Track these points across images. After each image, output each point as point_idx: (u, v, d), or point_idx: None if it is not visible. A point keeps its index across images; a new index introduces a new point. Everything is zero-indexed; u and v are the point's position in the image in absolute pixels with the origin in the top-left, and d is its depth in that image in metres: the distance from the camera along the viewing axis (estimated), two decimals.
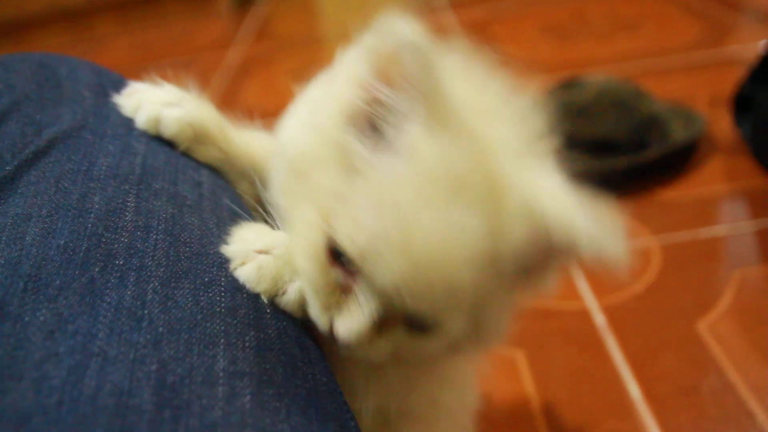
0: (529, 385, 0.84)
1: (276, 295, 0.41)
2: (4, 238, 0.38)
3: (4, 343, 0.32)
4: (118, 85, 0.51)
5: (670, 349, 0.86)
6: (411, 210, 0.35)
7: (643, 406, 0.78)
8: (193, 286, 0.38)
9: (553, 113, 0.40)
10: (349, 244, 0.37)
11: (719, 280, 0.96)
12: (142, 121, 0.48)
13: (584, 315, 0.93)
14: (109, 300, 0.35)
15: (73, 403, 0.30)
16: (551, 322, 0.93)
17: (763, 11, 1.89)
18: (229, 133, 0.51)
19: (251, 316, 0.38)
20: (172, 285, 0.37)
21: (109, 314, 0.34)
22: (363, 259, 0.37)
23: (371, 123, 0.38)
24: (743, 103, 1.22)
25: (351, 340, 0.38)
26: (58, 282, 0.35)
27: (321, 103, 0.42)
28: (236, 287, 0.40)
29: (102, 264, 0.37)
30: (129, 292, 0.35)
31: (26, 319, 0.33)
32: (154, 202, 0.42)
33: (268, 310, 0.40)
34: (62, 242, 0.37)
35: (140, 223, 0.40)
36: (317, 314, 0.40)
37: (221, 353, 0.35)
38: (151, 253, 0.38)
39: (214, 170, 0.51)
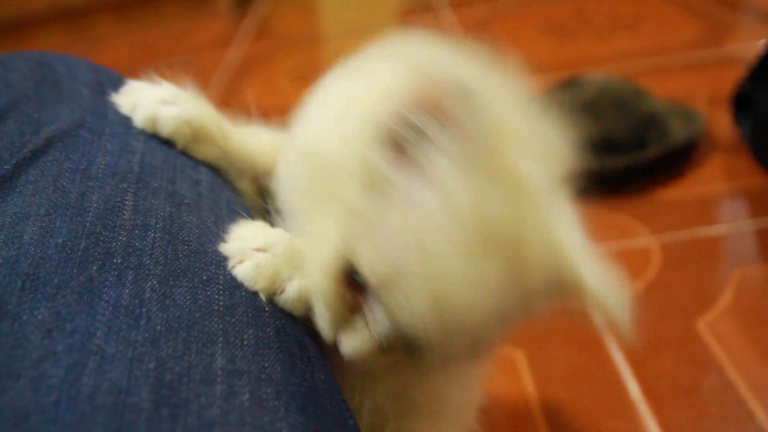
0: (529, 385, 0.84)
1: (274, 294, 0.40)
2: (2, 236, 0.38)
3: (2, 342, 0.32)
4: (117, 84, 0.51)
5: (670, 349, 0.86)
6: (440, 252, 0.35)
7: (643, 405, 0.78)
8: (191, 285, 0.37)
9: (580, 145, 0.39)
10: (369, 273, 0.36)
11: (719, 279, 0.96)
12: (139, 120, 0.48)
13: (584, 314, 0.93)
14: (107, 298, 0.35)
15: (71, 402, 0.30)
16: (551, 322, 0.93)
17: (763, 10, 1.89)
18: (228, 130, 0.51)
19: (250, 315, 0.38)
20: (170, 283, 0.37)
21: (107, 313, 0.34)
22: (382, 290, 0.36)
23: (403, 146, 0.36)
24: (743, 102, 1.22)
25: (354, 357, 0.39)
26: (56, 281, 0.35)
27: (349, 108, 0.40)
28: (234, 285, 0.39)
29: (100, 262, 0.36)
30: (127, 291, 0.35)
31: (24, 317, 0.33)
32: (153, 201, 0.42)
33: (267, 309, 0.40)
34: (60, 241, 0.37)
35: (138, 221, 0.40)
36: (324, 327, 0.40)
37: (219, 351, 0.35)
38: (149, 252, 0.38)
39: (213, 168, 0.51)
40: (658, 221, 1.09)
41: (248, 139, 0.53)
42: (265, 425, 0.32)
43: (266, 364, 0.36)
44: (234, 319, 0.37)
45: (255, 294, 0.40)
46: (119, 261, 0.37)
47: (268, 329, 0.38)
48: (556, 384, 0.84)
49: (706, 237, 1.04)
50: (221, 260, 0.41)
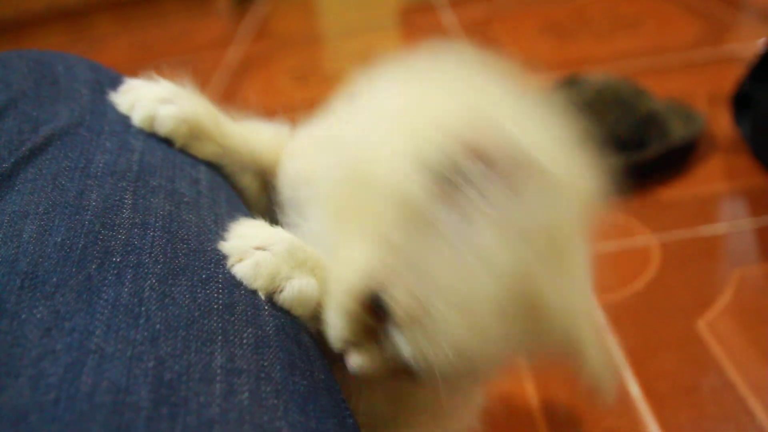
0: (528, 384, 0.84)
1: (274, 292, 0.40)
2: (0, 235, 0.38)
3: (1, 340, 0.32)
4: (115, 82, 0.51)
5: (670, 348, 0.86)
6: (471, 306, 0.35)
7: (643, 404, 0.78)
8: (190, 283, 0.37)
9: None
10: (397, 308, 0.37)
11: (719, 278, 0.96)
12: (137, 118, 0.48)
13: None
14: (106, 297, 0.35)
15: (69, 401, 0.29)
16: None
17: (763, 10, 1.89)
18: (227, 127, 0.51)
19: (249, 313, 0.38)
20: (170, 282, 0.37)
21: (106, 311, 0.34)
22: (405, 326, 0.37)
23: (451, 188, 0.35)
24: (743, 102, 1.22)
25: (359, 373, 0.40)
26: (55, 279, 0.35)
27: (400, 130, 0.38)
28: (234, 284, 0.39)
29: (99, 261, 0.36)
30: (126, 289, 0.35)
31: (23, 316, 0.33)
32: (152, 200, 0.42)
33: (266, 307, 0.40)
34: (59, 239, 0.37)
35: (137, 220, 0.40)
36: (335, 340, 0.41)
37: (219, 350, 0.34)
38: (148, 250, 0.38)
39: (213, 167, 0.51)
40: (657, 220, 1.09)
41: (248, 135, 0.53)
42: (264, 424, 0.32)
43: (266, 363, 0.36)
44: (233, 318, 0.37)
45: (254, 292, 0.40)
46: (118, 259, 0.37)
47: (268, 328, 0.38)
48: (556, 384, 0.84)
49: (706, 236, 1.04)
50: (220, 259, 0.41)
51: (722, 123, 1.29)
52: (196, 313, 0.36)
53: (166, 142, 0.48)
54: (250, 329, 0.37)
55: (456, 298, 0.35)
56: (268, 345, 0.37)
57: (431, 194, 0.35)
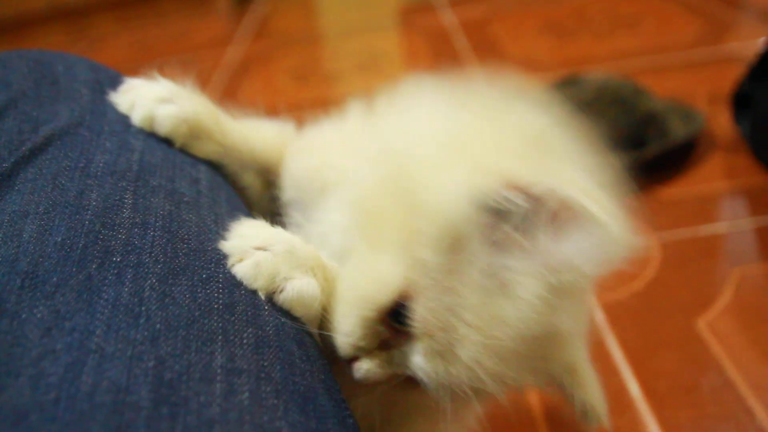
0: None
1: (274, 292, 0.40)
2: (1, 234, 0.38)
3: (2, 340, 0.32)
4: (115, 82, 0.51)
5: (670, 347, 0.86)
6: (495, 344, 0.37)
7: (643, 403, 0.78)
8: (190, 283, 0.37)
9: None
10: (418, 325, 0.38)
11: (719, 277, 0.96)
12: (137, 118, 0.48)
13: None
14: (106, 297, 0.35)
15: (70, 400, 0.29)
16: None
17: (763, 9, 1.89)
18: (227, 125, 0.51)
19: (249, 313, 0.38)
20: (170, 282, 0.37)
21: (106, 311, 0.34)
22: (424, 343, 0.38)
23: (498, 227, 0.36)
24: (742, 101, 1.22)
25: (363, 380, 0.41)
26: (55, 279, 0.35)
27: (451, 160, 0.39)
28: (234, 284, 0.39)
29: (99, 261, 0.36)
30: (126, 289, 0.35)
31: (23, 316, 0.33)
32: (152, 199, 0.42)
33: (266, 307, 0.40)
34: (59, 239, 0.37)
35: (137, 220, 0.40)
36: (345, 345, 0.41)
37: (219, 350, 0.34)
38: (148, 250, 0.38)
39: (213, 166, 0.51)
40: (657, 220, 1.09)
41: (249, 134, 0.53)
42: (264, 424, 0.32)
43: (266, 363, 0.36)
44: (233, 318, 0.37)
45: (254, 292, 0.40)
46: (118, 259, 0.37)
47: (268, 328, 0.38)
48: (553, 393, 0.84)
49: (706, 235, 1.04)
50: (221, 258, 0.41)
51: (722, 122, 1.29)
52: (197, 313, 0.36)
53: (166, 141, 0.48)
54: (250, 329, 0.37)
55: (478, 320, 0.36)
56: (269, 345, 0.37)
57: (475, 225, 0.36)
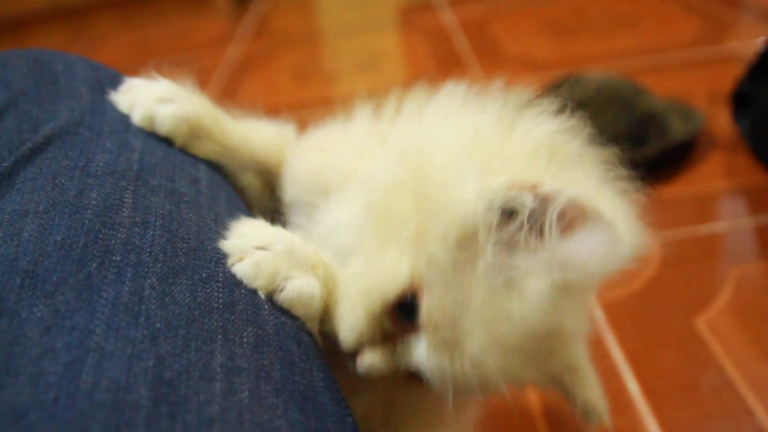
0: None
1: (274, 292, 0.40)
2: (0, 234, 0.38)
3: (1, 339, 0.32)
4: (116, 82, 0.51)
5: (669, 346, 0.86)
6: (500, 340, 0.37)
7: (642, 402, 0.78)
8: (190, 282, 0.37)
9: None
10: (426, 319, 0.38)
11: (718, 276, 0.96)
12: (137, 118, 0.48)
13: None
14: (106, 296, 0.35)
15: (69, 399, 0.29)
16: None
17: (762, 8, 1.89)
18: (227, 126, 0.51)
19: (249, 312, 0.38)
20: (170, 281, 0.37)
21: (106, 310, 0.34)
22: (430, 337, 0.39)
23: (511, 227, 0.37)
24: (742, 100, 1.22)
25: (366, 372, 0.41)
26: (55, 278, 0.35)
27: (470, 163, 0.39)
28: (234, 283, 0.39)
29: (99, 260, 0.36)
30: (126, 288, 0.35)
31: (23, 315, 0.33)
32: (152, 199, 0.42)
33: (266, 306, 0.40)
34: (59, 238, 0.37)
35: (137, 219, 0.40)
36: (349, 339, 0.41)
37: (219, 349, 0.35)
38: (148, 249, 0.38)
39: (213, 166, 0.51)
40: (657, 219, 1.08)
41: (249, 135, 0.53)
42: (264, 423, 0.32)
43: (265, 362, 0.36)
44: (233, 317, 0.37)
45: (254, 292, 0.40)
46: (118, 258, 0.37)
47: (268, 327, 0.38)
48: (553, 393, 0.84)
49: (705, 234, 1.04)
50: (220, 257, 0.41)
51: (721, 121, 1.29)
52: (196, 312, 0.36)
53: (166, 141, 0.49)
54: (250, 328, 0.37)
55: (483, 316, 0.37)
56: (268, 344, 0.37)
57: (484, 223, 0.37)
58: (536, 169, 0.38)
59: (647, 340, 0.87)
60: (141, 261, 0.37)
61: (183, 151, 0.49)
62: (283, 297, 0.41)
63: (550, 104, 0.42)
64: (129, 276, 0.36)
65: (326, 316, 0.43)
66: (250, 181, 0.55)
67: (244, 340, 0.36)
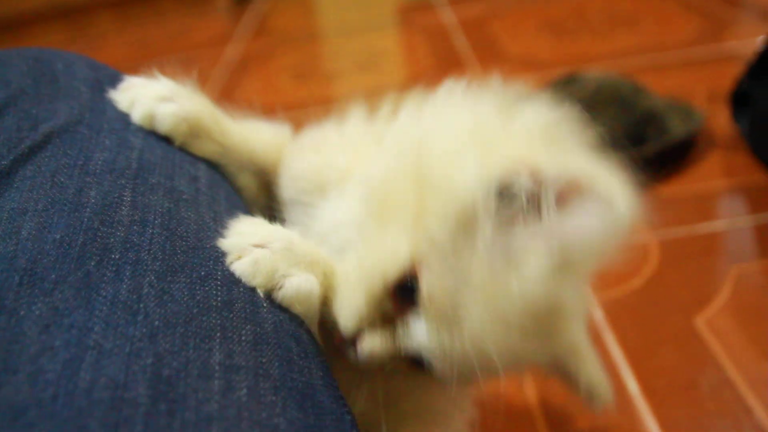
0: (528, 383, 0.84)
1: (272, 290, 0.40)
2: None
3: (0, 336, 0.32)
4: (115, 80, 0.51)
5: (669, 345, 0.86)
6: (499, 319, 0.37)
7: (641, 401, 0.78)
8: (189, 280, 0.37)
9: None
10: (427, 299, 0.39)
11: (717, 275, 0.96)
12: (137, 117, 0.48)
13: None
14: (104, 294, 0.35)
15: (68, 397, 0.30)
16: None
17: (762, 7, 1.89)
18: (226, 125, 0.51)
19: (247, 310, 0.38)
20: (168, 279, 0.37)
21: (104, 308, 0.34)
22: (430, 317, 0.39)
23: (511, 208, 0.37)
24: (741, 99, 1.22)
25: (366, 357, 0.41)
26: (53, 276, 0.35)
27: (469, 146, 0.40)
28: (232, 281, 0.39)
29: (98, 258, 0.36)
30: (125, 286, 0.35)
31: (22, 313, 0.33)
32: (151, 197, 0.42)
33: (265, 304, 0.40)
34: (58, 236, 0.37)
35: (136, 217, 0.40)
36: (349, 323, 0.41)
37: (217, 347, 0.35)
38: (147, 247, 0.38)
39: (212, 165, 0.51)
40: (656, 217, 1.08)
41: (248, 135, 0.53)
42: (262, 420, 0.32)
43: (264, 360, 0.36)
44: (232, 315, 0.37)
45: (253, 290, 0.40)
46: (117, 257, 0.37)
47: (266, 325, 0.38)
48: (555, 381, 0.84)
49: (705, 233, 1.04)
50: (219, 256, 0.41)
51: (721, 120, 1.29)
52: (195, 310, 0.36)
53: (166, 140, 0.49)
54: (248, 326, 0.37)
55: (483, 295, 0.37)
56: (267, 342, 0.37)
57: (484, 203, 0.37)
58: (534, 150, 0.39)
59: (646, 339, 0.87)
60: (140, 259, 0.37)
61: (182, 150, 0.49)
62: (282, 295, 0.41)
63: (548, 97, 0.43)
64: (128, 274, 0.36)
65: (326, 308, 0.43)
66: (246, 182, 0.55)
67: (243, 338, 0.36)
